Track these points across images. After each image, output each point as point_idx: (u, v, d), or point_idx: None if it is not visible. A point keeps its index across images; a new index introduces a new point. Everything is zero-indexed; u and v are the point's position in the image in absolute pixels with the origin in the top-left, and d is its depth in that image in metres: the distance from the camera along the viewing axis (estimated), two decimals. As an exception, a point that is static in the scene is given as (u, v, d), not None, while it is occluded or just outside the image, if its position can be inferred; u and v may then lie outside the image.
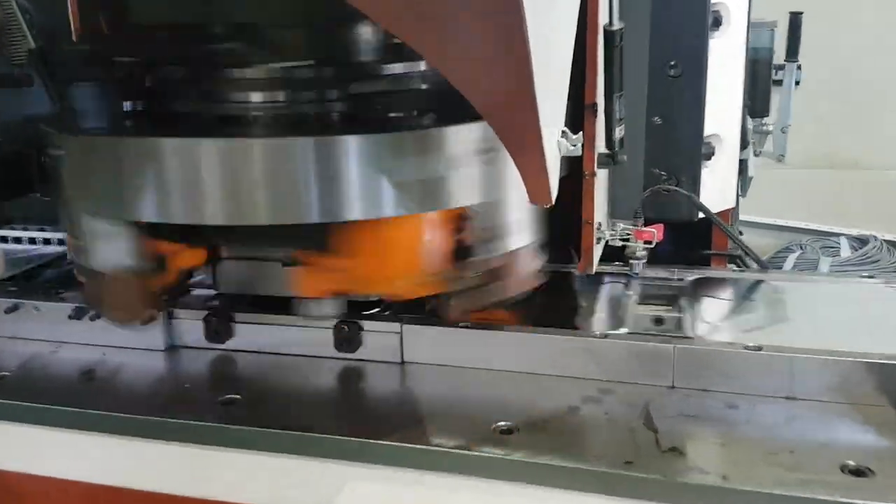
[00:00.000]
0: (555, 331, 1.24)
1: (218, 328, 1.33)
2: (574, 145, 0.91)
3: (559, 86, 0.92)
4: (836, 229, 3.84)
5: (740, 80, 1.59)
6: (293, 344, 1.32)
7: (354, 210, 1.15)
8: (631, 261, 1.49)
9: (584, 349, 1.20)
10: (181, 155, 1.14)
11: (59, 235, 1.83)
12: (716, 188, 1.60)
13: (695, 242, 1.75)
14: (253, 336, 1.34)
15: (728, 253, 1.78)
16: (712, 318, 1.34)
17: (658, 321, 1.31)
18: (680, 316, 1.33)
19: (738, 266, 1.77)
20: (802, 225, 3.85)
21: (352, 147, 1.12)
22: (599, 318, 1.35)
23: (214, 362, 1.33)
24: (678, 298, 1.41)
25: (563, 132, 0.92)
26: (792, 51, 2.38)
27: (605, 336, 1.21)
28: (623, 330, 1.25)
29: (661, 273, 1.52)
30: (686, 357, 1.16)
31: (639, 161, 1.52)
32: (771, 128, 2.29)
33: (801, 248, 3.61)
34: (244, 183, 1.13)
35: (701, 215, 1.55)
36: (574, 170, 1.34)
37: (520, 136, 0.80)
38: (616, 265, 1.57)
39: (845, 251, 3.66)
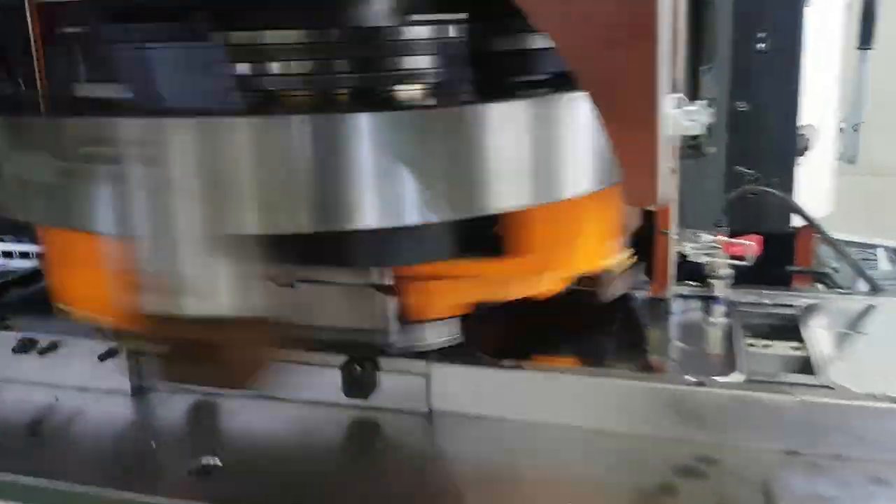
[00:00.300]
0: (633, 375, 0.95)
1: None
2: (693, 120, 0.63)
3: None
4: (873, 241, 3.51)
5: (838, 59, 1.30)
6: (290, 386, 1.03)
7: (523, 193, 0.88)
8: (711, 280, 1.20)
9: (673, 401, 0.91)
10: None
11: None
12: (809, 191, 1.30)
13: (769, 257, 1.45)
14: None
15: (814, 270, 1.49)
16: (841, 358, 1.04)
17: (767, 362, 1.02)
18: (798, 355, 1.03)
19: (828, 286, 1.47)
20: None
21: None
22: (688, 358, 1.06)
23: (191, 410, 1.05)
24: (786, 330, 1.11)
25: (680, 99, 0.64)
26: (865, 37, 2.08)
27: (701, 384, 0.92)
28: (733, 376, 0.95)
29: (747, 296, 1.23)
30: (817, 413, 0.86)
31: (719, 156, 1.23)
32: (843, 125, 2.00)
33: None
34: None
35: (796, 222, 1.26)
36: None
37: (630, 104, 0.53)
38: (690, 285, 1.28)
39: (884, 264, 3.32)
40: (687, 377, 0.93)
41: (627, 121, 0.56)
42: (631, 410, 0.92)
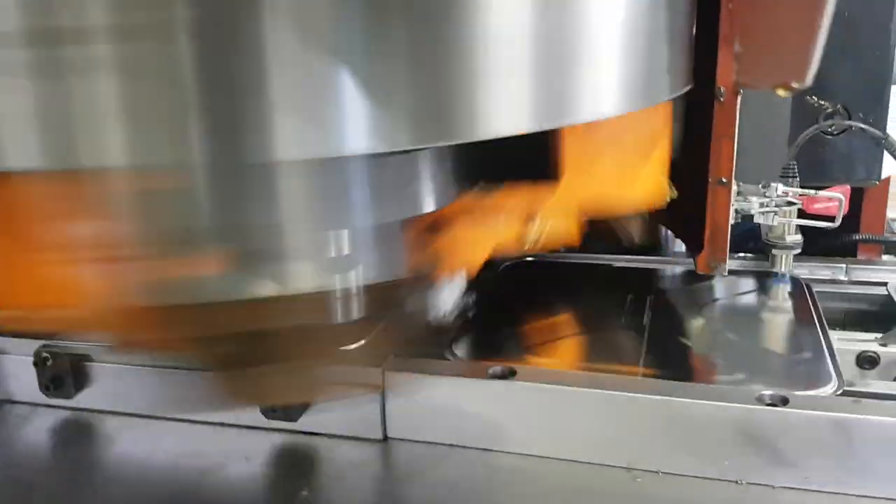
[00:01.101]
0: (673, 386, 0.64)
1: (56, 375, 0.75)
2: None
3: None
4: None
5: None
6: (188, 404, 0.73)
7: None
8: (776, 251, 0.89)
9: (735, 424, 0.61)
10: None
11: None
12: (901, 132, 0.98)
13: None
14: (119, 387, 0.75)
15: (886, 239, 1.17)
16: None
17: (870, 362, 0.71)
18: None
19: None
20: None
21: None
22: (752, 362, 0.74)
23: (55, 430, 0.75)
24: (874, 318, 0.80)
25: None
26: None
27: (782, 401, 0.61)
28: (825, 389, 0.65)
29: (816, 271, 0.92)
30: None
31: (785, 84, 0.91)
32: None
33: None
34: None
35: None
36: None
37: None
38: (740, 256, 0.97)
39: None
40: (759, 391, 0.62)
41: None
42: (671, 440, 0.62)
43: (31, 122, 0.46)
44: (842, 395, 0.67)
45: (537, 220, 0.73)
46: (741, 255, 0.96)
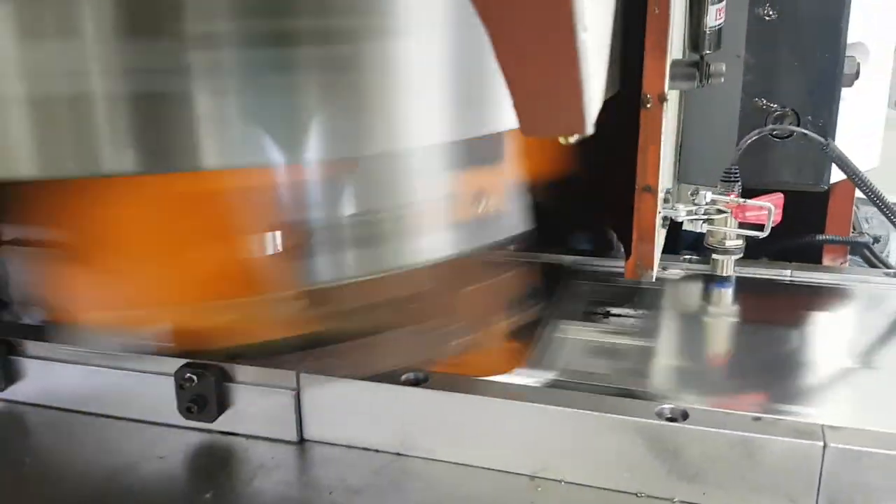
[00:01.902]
0: (585, 400, 0.64)
1: (-17, 367, 0.76)
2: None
3: None
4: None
5: (902, -45, 0.95)
6: (108, 397, 0.74)
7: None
8: (717, 256, 0.88)
9: (636, 438, 0.61)
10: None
11: None
12: (855, 134, 0.97)
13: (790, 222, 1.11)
14: (44, 380, 0.76)
15: (853, 240, 1.16)
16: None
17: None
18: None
19: (869, 261, 1.15)
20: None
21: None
22: (681, 376, 0.74)
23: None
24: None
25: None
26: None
27: (678, 417, 0.61)
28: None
29: (764, 272, 0.91)
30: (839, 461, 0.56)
31: (732, 86, 0.90)
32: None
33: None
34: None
35: (837, 177, 0.93)
36: (626, 92, 0.74)
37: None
38: (687, 258, 0.96)
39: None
40: (662, 407, 0.62)
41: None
42: (584, 452, 0.62)
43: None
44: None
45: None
46: (686, 257, 0.96)
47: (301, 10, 0.52)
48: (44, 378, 0.76)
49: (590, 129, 0.28)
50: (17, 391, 0.78)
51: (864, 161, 0.99)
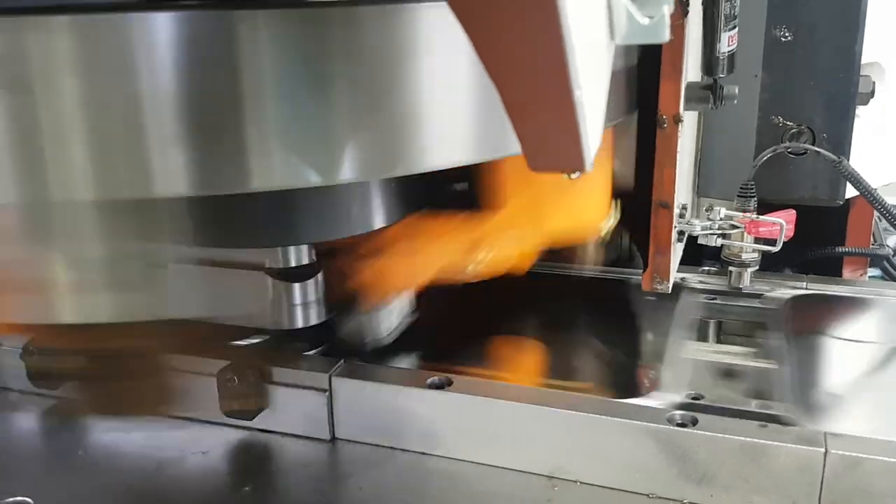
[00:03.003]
0: (604, 405, 0.68)
1: (42, 365, 0.82)
2: (649, 16, 0.35)
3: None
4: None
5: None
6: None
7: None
8: (732, 268, 0.91)
9: (648, 441, 0.65)
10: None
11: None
12: (872, 151, 0.99)
13: (811, 234, 1.13)
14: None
15: (872, 252, 1.18)
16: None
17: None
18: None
19: (889, 273, 1.17)
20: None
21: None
22: (681, 381, 0.78)
23: (39, 418, 0.82)
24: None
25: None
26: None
27: (692, 423, 0.65)
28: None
29: (777, 287, 0.94)
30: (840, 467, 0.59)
31: (750, 104, 0.93)
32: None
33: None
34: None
35: (850, 193, 0.95)
36: (642, 114, 0.78)
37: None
38: (704, 271, 0.99)
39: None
40: (673, 412, 0.66)
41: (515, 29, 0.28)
42: (602, 455, 0.66)
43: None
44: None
45: (480, 248, 0.77)
46: (705, 269, 0.99)
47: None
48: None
49: (589, 168, 0.33)
50: (68, 390, 0.84)
51: (880, 177, 1.01)
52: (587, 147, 0.32)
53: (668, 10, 0.35)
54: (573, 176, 0.34)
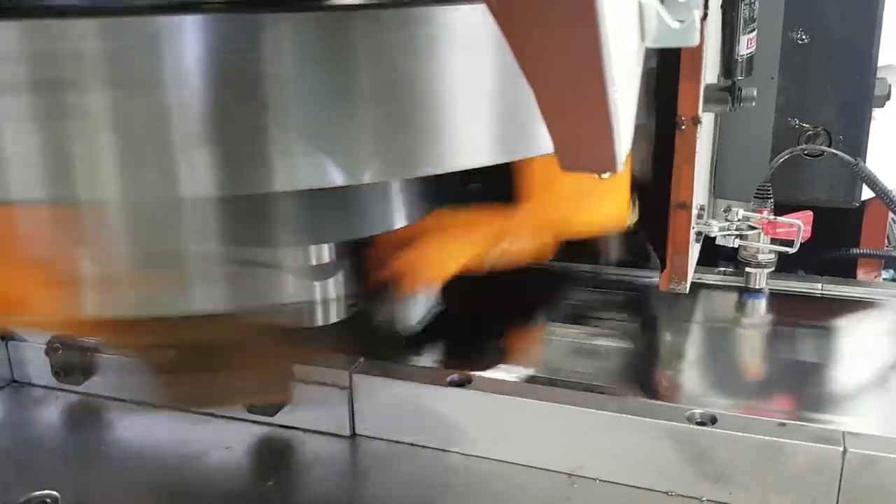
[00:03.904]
0: (621, 404, 0.69)
1: (66, 362, 0.83)
2: (680, 20, 0.35)
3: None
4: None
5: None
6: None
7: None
8: (750, 270, 0.92)
9: (667, 440, 0.65)
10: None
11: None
12: (888, 153, 1.00)
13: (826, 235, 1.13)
14: (121, 376, 0.83)
15: (887, 254, 1.18)
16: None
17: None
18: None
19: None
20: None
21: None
22: (705, 383, 0.78)
23: (63, 413, 0.84)
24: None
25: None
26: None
27: (711, 422, 0.65)
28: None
29: (795, 285, 0.94)
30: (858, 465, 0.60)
31: (766, 106, 0.94)
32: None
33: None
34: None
35: (866, 195, 0.96)
36: (660, 116, 0.78)
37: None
38: (720, 272, 1.00)
39: None
40: (693, 411, 0.67)
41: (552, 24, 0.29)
42: (622, 453, 0.67)
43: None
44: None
45: (504, 240, 0.78)
46: (720, 270, 0.99)
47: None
48: (118, 373, 0.84)
49: (620, 168, 0.34)
50: (91, 385, 0.85)
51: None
52: (619, 147, 0.32)
53: (698, 14, 0.36)
54: (604, 176, 0.35)
